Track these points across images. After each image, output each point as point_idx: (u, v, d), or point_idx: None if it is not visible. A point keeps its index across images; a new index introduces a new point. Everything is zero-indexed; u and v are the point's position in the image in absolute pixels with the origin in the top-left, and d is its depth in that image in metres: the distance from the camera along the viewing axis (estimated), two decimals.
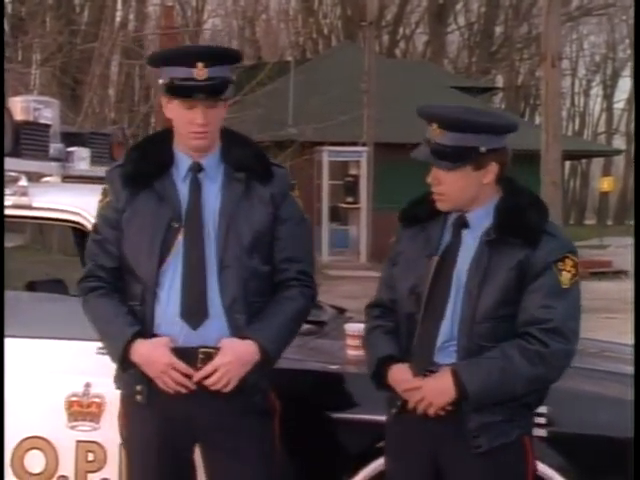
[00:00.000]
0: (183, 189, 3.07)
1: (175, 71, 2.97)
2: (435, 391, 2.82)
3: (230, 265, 3.01)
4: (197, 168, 3.08)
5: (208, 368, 2.96)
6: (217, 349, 2.97)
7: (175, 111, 3.02)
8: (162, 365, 2.95)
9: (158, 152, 3.10)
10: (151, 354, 2.96)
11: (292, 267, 3.10)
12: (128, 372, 3.03)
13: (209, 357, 2.97)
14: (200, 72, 2.95)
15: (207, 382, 2.95)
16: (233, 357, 2.96)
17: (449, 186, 2.88)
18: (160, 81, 3.04)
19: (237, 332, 2.99)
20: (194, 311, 3.00)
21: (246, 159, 3.10)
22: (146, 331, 2.99)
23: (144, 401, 3.02)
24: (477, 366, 2.80)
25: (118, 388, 3.15)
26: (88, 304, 3.11)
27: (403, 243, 3.02)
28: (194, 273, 3.00)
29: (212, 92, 2.99)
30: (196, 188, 3.06)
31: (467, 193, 2.89)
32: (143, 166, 3.08)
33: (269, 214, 3.07)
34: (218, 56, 3.04)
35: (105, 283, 3.08)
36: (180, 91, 2.98)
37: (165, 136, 3.16)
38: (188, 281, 3.00)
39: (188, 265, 3.00)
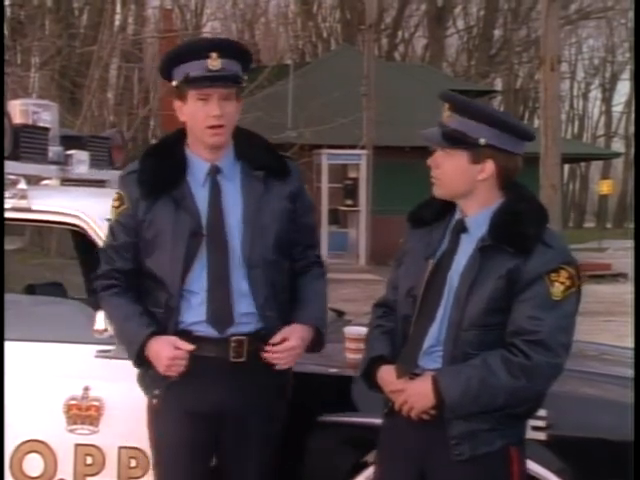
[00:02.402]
0: (202, 194, 3.07)
1: (189, 66, 2.99)
2: (416, 395, 2.81)
3: (258, 265, 3.05)
4: (215, 171, 3.08)
5: (287, 345, 3.04)
6: (249, 336, 3.03)
7: (191, 108, 3.03)
8: (165, 360, 2.99)
9: (173, 157, 3.11)
10: (158, 351, 3.00)
11: (310, 253, 3.25)
12: (148, 374, 3.08)
13: (240, 345, 3.03)
14: (214, 62, 2.98)
15: (275, 357, 3.04)
16: (301, 341, 3.08)
17: (444, 171, 2.87)
18: (174, 83, 3.03)
19: (270, 329, 3.05)
20: (220, 318, 3.04)
21: (263, 156, 3.13)
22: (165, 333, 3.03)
23: (159, 406, 3.08)
24: (457, 374, 2.78)
25: (146, 393, 3.17)
26: (103, 302, 3.16)
27: (409, 244, 3.02)
28: (219, 280, 3.03)
29: (227, 81, 3.02)
30: (217, 192, 3.08)
31: (460, 183, 2.86)
32: (160, 174, 3.07)
33: (288, 211, 3.13)
34: (230, 48, 3.07)
35: (120, 282, 3.11)
36: (196, 82, 2.99)
37: (177, 139, 3.16)
38: (213, 288, 3.03)
39: (212, 272, 3.03)
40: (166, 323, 3.04)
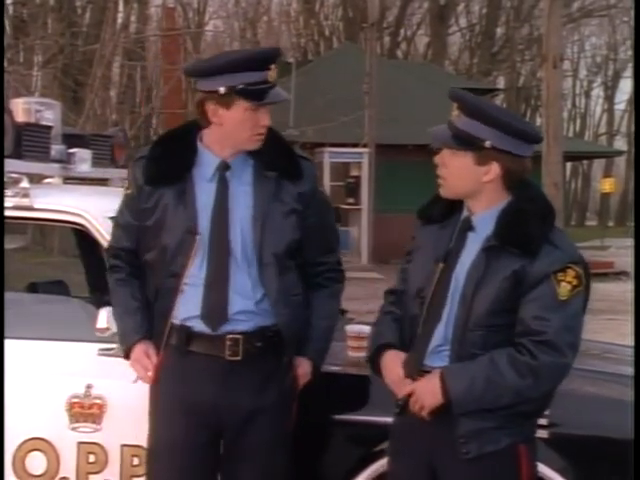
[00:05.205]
0: (209, 189, 3.07)
1: (250, 76, 2.97)
2: (425, 393, 2.81)
3: (269, 263, 3.05)
4: (224, 167, 3.08)
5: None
6: (245, 335, 3.03)
7: (238, 116, 3.01)
8: (140, 369, 3.14)
9: (183, 149, 3.11)
10: (136, 359, 3.13)
11: (330, 259, 3.25)
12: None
13: (236, 343, 3.03)
14: (273, 74, 3.01)
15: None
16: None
17: (450, 171, 2.87)
18: (221, 89, 2.97)
19: (284, 325, 3.06)
20: (214, 315, 3.04)
21: (277, 157, 3.12)
22: (159, 329, 3.09)
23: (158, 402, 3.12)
24: (463, 371, 2.78)
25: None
26: (109, 284, 3.25)
27: (419, 241, 3.02)
28: (217, 277, 3.03)
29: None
30: (224, 189, 3.08)
31: (466, 184, 2.86)
32: (166, 165, 3.09)
33: (297, 212, 3.12)
34: (279, 56, 3.11)
35: (124, 263, 3.19)
36: (257, 94, 2.99)
37: (189, 131, 3.16)
38: (210, 285, 3.03)
39: (211, 269, 3.03)
40: (158, 310, 3.09)
